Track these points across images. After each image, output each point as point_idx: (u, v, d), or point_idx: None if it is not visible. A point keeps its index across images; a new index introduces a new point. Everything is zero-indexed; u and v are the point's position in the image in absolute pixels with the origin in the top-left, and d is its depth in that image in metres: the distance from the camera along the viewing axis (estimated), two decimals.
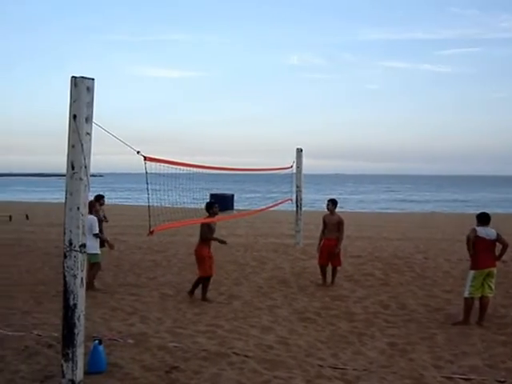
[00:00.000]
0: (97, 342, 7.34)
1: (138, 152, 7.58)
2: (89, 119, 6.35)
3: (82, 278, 6.55)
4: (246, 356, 7.82)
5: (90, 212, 12.39)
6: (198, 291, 11.50)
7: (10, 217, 29.51)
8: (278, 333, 9.05)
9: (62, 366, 6.54)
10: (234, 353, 7.94)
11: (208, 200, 13.00)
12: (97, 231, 12.34)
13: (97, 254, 12.40)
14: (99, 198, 14.62)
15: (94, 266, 12.33)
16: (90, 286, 11.96)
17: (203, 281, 11.39)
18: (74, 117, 6.26)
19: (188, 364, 7.50)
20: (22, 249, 18.71)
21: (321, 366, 7.52)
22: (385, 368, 7.51)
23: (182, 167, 10.77)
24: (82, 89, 6.24)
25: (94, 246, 12.04)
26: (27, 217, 30.53)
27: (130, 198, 64.58)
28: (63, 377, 6.52)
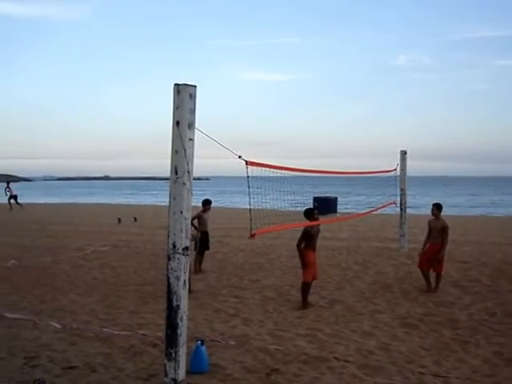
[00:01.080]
0: (199, 342, 7.53)
1: (239, 157, 7.69)
2: (191, 125, 6.53)
3: (184, 280, 6.74)
4: (346, 361, 7.80)
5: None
6: (298, 294, 11.52)
7: (119, 219, 30.59)
8: (379, 338, 8.96)
9: (165, 365, 6.75)
10: (335, 357, 7.94)
11: (311, 203, 12.98)
12: None
13: None
14: (206, 203, 14.99)
15: None
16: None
17: (308, 285, 11.37)
18: (177, 123, 6.46)
19: (288, 367, 7.56)
20: (131, 250, 19.40)
21: (422, 373, 7.38)
22: (489, 377, 7.28)
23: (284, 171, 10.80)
24: (184, 96, 6.43)
25: None
26: (135, 219, 31.53)
27: (235, 202, 65.46)
28: (166, 376, 6.72)
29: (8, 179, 51.51)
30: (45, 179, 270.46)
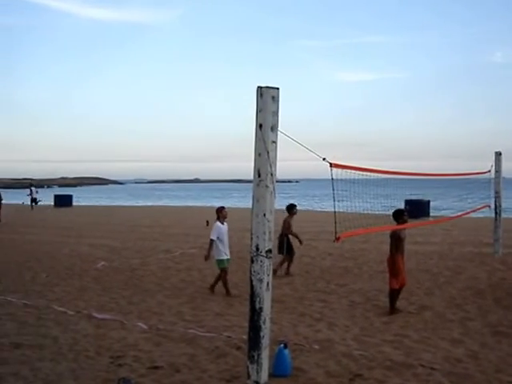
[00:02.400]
0: (282, 345, 7.47)
1: (323, 159, 7.58)
2: (274, 128, 6.48)
3: (267, 283, 6.69)
4: (432, 368, 7.55)
5: (218, 218, 12.81)
6: (386, 299, 11.27)
7: (207, 222, 30.88)
8: (468, 346, 8.61)
9: (247, 367, 6.72)
10: (421, 364, 7.71)
11: (402, 206, 12.65)
12: (210, 237, 12.74)
13: (222, 259, 12.77)
14: (292, 208, 14.96)
15: (220, 271, 12.88)
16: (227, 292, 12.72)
17: (396, 291, 11.09)
18: (260, 126, 6.42)
19: (372, 373, 7.39)
20: None
21: (511, 382, 7.08)
22: None
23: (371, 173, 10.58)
24: (267, 98, 6.39)
25: (219, 253, 12.64)
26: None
27: (324, 205, 65.06)
28: (248, 378, 6.70)
29: (31, 182, 54.94)
30: (136, 182, 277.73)
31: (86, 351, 8.46)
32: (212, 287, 13.08)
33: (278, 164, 6.68)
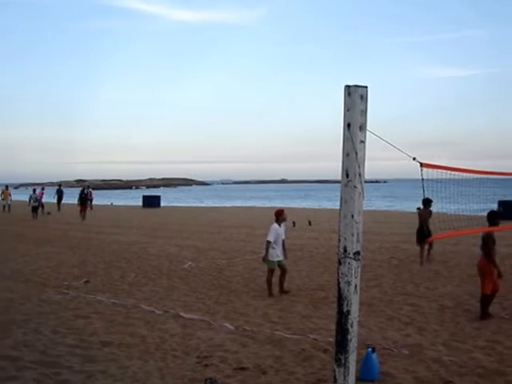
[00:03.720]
0: (370, 349, 7.32)
1: (413, 158, 7.38)
2: (363, 127, 6.33)
3: (355, 285, 6.55)
4: None
5: (277, 220, 12.99)
6: (477, 304, 10.88)
7: (294, 223, 30.87)
8: None
9: (334, 370, 6.60)
10: None
11: (495, 208, 12.22)
12: (267, 238, 12.96)
13: (273, 261, 12.91)
14: (428, 202, 15.22)
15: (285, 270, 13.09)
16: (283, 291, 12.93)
17: (488, 297, 10.70)
18: (348, 125, 6.29)
19: (462, 380, 7.17)
20: (304, 254, 19.46)
21: None
22: None
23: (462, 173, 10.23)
24: (355, 97, 6.25)
25: (271, 254, 12.85)
26: (310, 223, 31.71)
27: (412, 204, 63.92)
28: (335, 381, 6.56)
29: (59, 184, 55.10)
30: (222, 183, 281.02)
31: (174, 350, 8.56)
32: (281, 289, 13.11)
33: (365, 164, 6.54)
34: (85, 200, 39.83)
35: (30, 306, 11.83)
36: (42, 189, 46.65)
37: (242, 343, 8.94)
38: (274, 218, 13.30)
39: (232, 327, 9.93)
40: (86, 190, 43.43)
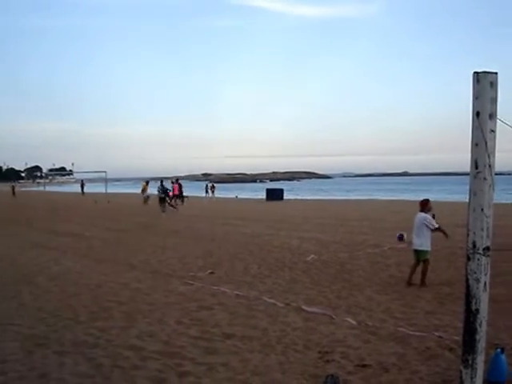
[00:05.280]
0: (499, 350, 6.94)
1: None
2: (492, 116, 6.00)
3: (485, 283, 6.22)
4: None
5: (423, 210, 12.98)
6: None
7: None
8: None
9: (460, 371, 6.30)
10: None
11: None
12: (436, 226, 12.94)
13: (428, 250, 12.82)
14: None
15: (425, 262, 12.90)
16: (422, 283, 12.73)
17: None
18: (477, 114, 5.98)
19: None
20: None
21: None
22: None
23: None
24: (484, 84, 5.92)
25: (427, 244, 12.82)
26: (433, 216, 30.74)
27: None
28: (461, 383, 6.28)
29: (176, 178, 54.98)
30: (344, 176, 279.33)
31: (295, 345, 8.51)
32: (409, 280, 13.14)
33: (496, 155, 6.19)
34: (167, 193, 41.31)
35: (155, 296, 12.17)
36: (177, 180, 48.40)
37: (364, 339, 8.76)
38: (419, 208, 13.31)
39: (354, 322, 9.76)
40: (168, 183, 45.42)
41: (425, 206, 13.22)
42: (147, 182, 51.60)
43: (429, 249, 12.96)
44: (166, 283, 13.59)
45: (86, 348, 8.55)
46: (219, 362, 7.81)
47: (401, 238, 20.94)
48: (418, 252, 13.07)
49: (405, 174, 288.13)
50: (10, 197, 73.61)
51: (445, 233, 13.12)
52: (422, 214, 13.04)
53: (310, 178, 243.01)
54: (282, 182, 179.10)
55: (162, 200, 39.91)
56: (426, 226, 12.86)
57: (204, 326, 9.72)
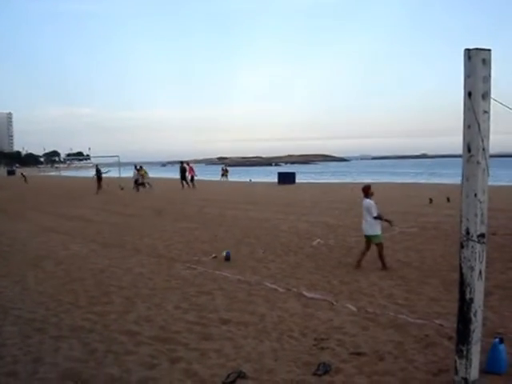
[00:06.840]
0: (497, 340, 6.74)
1: None
2: (486, 96, 5.75)
3: (480, 271, 6.03)
4: None
5: (366, 196, 13.05)
6: None
7: (431, 199, 29.69)
8: None
9: (455, 361, 6.13)
10: None
11: None
12: (375, 214, 12.89)
13: (378, 235, 13.01)
14: None
15: (377, 246, 12.92)
16: (383, 267, 12.91)
17: None
18: (468, 94, 5.74)
19: None
20: (439, 233, 18.57)
21: None
22: None
23: None
24: (476, 62, 5.66)
25: (373, 229, 12.85)
26: (448, 199, 30.26)
27: None
28: (456, 374, 6.10)
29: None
30: (361, 158, 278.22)
31: (291, 331, 8.39)
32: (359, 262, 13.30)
33: (491, 137, 5.95)
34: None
35: (157, 280, 12.11)
36: (187, 164, 49.60)
37: (362, 326, 8.59)
38: (363, 193, 13.38)
39: (354, 308, 9.59)
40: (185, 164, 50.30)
41: (367, 191, 13.27)
42: (141, 167, 50.52)
43: (377, 233, 13.04)
44: (169, 268, 13.51)
45: (83, 333, 8.56)
46: (212, 348, 7.71)
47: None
48: (367, 237, 13.17)
49: (423, 156, 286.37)
50: (22, 184, 73.95)
51: (387, 220, 13.31)
52: (367, 200, 13.15)
53: (327, 160, 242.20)
54: (297, 165, 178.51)
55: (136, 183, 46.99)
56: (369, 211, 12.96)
57: (202, 311, 9.63)
